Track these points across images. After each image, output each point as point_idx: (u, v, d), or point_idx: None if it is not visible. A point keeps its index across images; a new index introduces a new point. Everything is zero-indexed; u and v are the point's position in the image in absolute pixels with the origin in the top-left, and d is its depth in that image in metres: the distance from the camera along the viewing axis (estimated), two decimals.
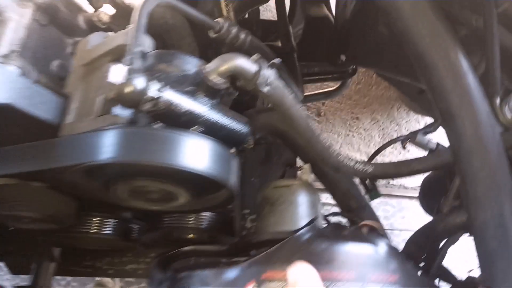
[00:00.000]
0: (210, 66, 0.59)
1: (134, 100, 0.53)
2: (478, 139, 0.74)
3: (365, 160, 0.90)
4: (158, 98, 0.55)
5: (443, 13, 0.79)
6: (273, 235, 0.80)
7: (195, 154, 0.56)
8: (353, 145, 2.23)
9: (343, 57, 1.51)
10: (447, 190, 0.96)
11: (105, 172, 0.60)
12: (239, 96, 1.37)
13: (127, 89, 0.52)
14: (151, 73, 0.63)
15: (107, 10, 0.91)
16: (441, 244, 0.93)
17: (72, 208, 0.78)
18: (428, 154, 0.93)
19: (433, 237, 0.89)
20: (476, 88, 0.77)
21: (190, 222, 0.92)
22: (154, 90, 0.54)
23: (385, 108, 2.28)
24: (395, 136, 2.29)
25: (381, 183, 2.41)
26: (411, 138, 0.96)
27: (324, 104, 2.26)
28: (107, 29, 0.90)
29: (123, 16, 0.85)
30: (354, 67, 1.62)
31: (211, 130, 0.61)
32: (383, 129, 2.26)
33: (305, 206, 0.88)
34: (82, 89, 0.67)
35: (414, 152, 2.06)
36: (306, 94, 1.79)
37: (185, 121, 0.58)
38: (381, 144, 2.40)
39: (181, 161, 0.54)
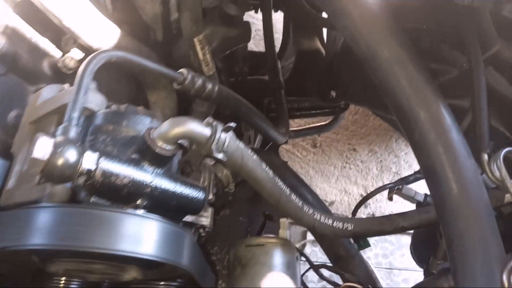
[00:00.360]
0: (158, 131, 0.54)
1: (65, 175, 0.47)
2: (465, 200, 0.67)
3: (345, 216, 0.83)
4: (95, 170, 0.49)
5: (423, 63, 0.74)
6: None
7: (135, 237, 0.50)
8: (350, 178, 2.16)
9: (333, 93, 1.46)
10: (438, 246, 0.88)
11: (38, 251, 0.54)
12: None
13: (57, 163, 0.46)
14: (96, 136, 0.58)
15: (75, 55, 0.88)
16: None
17: (27, 271, 0.72)
18: (415, 209, 0.86)
19: None
20: (461, 143, 0.70)
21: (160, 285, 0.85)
22: (89, 161, 0.49)
23: (383, 139, 2.21)
24: (393, 169, 2.22)
25: None
26: (397, 190, 0.90)
27: (320, 135, 2.20)
28: (73, 75, 0.86)
29: None
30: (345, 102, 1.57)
31: (159, 201, 0.55)
32: (381, 161, 2.18)
33: (280, 268, 0.81)
34: (26, 150, 0.62)
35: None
36: (297, 128, 1.74)
37: (127, 194, 0.52)
38: (379, 177, 2.33)
39: (118, 246, 0.48)
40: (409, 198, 0.88)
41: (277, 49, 1.55)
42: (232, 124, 0.55)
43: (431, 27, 0.93)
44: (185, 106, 1.06)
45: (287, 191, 0.70)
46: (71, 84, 0.79)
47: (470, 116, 0.86)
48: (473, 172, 0.69)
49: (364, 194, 2.25)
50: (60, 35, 0.88)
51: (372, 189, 2.33)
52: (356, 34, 0.72)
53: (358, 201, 1.88)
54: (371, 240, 1.23)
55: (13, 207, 0.57)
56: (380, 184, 2.22)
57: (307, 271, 1.18)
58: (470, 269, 0.65)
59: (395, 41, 0.71)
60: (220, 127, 0.55)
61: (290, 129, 1.80)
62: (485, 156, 0.70)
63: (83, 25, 0.80)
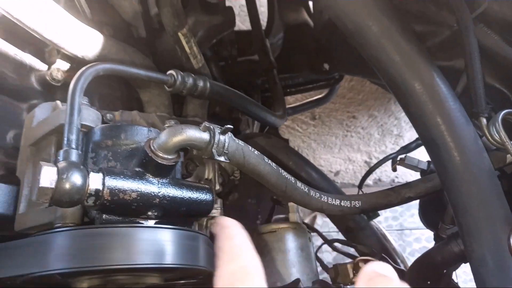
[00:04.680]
0: (158, 142, 0.54)
1: (75, 199, 0.48)
2: (466, 167, 0.68)
3: (350, 194, 0.84)
4: (102, 189, 0.50)
5: (412, 32, 0.72)
6: None
7: (152, 248, 0.51)
8: (353, 146, 2.17)
9: (326, 66, 1.44)
10: (445, 210, 0.90)
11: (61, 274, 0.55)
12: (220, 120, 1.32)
13: (65, 189, 0.47)
14: (97, 152, 0.58)
15: (61, 66, 0.86)
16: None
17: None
18: (420, 178, 0.87)
19: (434, 267, 0.83)
20: (458, 111, 0.70)
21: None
22: (95, 182, 0.50)
23: (381, 103, 2.20)
24: (395, 131, 2.22)
25: (386, 182, 2.35)
26: (400, 161, 0.90)
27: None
28: (63, 86, 0.85)
29: (78, 69, 0.81)
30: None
31: (169, 210, 0.56)
32: (381, 125, 2.18)
33: (294, 251, 0.83)
34: (31, 173, 0.62)
35: None
36: (294, 105, 1.73)
37: (137, 208, 0.53)
38: (381, 141, 2.34)
39: (137, 260, 0.49)
40: (413, 167, 0.89)
41: (264, 23, 1.52)
42: (230, 126, 0.56)
43: None
44: (179, 98, 1.05)
45: (292, 179, 0.70)
46: (62, 98, 0.79)
47: (465, 79, 0.85)
48: (473, 139, 0.69)
49: (368, 160, 2.26)
50: (42, 47, 0.87)
51: (375, 154, 2.35)
52: (340, 13, 0.71)
53: (362, 168, 1.89)
54: None
55: (28, 231, 0.59)
56: (383, 148, 2.23)
57: (321, 246, 1.20)
58: (477, 233, 0.67)
59: (381, 14, 0.70)
60: (218, 130, 0.56)
61: (288, 106, 1.79)
62: (484, 120, 0.70)
63: (64, 35, 0.79)
